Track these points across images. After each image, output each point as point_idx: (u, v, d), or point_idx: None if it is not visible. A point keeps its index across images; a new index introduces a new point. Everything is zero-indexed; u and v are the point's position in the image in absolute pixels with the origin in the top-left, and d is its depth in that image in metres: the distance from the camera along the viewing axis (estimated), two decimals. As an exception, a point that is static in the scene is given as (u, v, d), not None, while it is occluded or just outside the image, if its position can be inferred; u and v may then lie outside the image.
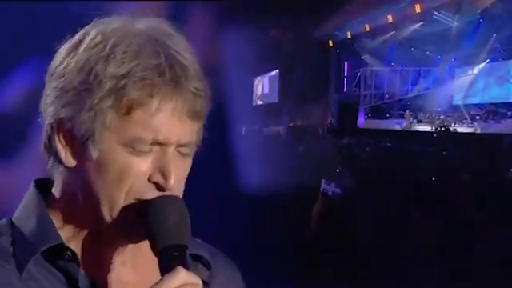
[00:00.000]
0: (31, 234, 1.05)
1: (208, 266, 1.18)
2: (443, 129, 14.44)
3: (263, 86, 22.76)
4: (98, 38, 1.04)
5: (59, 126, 1.06)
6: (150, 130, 1.02)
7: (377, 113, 20.00)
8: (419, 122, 17.56)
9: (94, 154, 1.03)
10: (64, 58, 1.06)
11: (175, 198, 1.05)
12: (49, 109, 1.08)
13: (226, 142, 8.36)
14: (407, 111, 17.94)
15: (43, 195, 1.11)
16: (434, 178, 8.61)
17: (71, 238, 1.08)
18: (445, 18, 16.35)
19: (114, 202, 1.03)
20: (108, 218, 1.05)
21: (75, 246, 1.08)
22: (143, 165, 1.03)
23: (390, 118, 19.51)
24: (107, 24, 1.07)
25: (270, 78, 22.36)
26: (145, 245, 1.04)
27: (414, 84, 18.97)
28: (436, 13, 16.42)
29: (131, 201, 1.05)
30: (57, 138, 1.07)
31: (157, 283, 0.96)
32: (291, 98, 20.94)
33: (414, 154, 11.94)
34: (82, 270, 1.06)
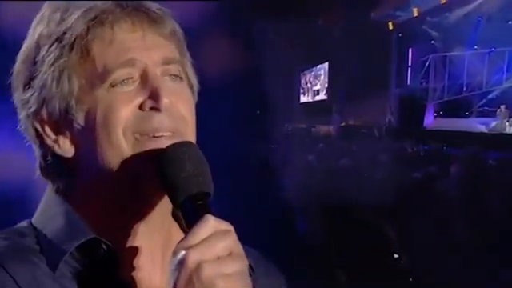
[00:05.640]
0: (59, 232, 1.06)
1: (251, 269, 1.11)
2: None
3: (311, 82, 22.62)
4: (39, 17, 1.06)
5: (39, 118, 1.06)
6: (113, 56, 1.02)
7: (451, 110, 16.86)
8: (520, 122, 14.17)
9: (80, 117, 1.03)
10: (17, 63, 1.09)
11: (189, 143, 1.02)
12: (24, 118, 1.08)
13: (269, 144, 8.51)
14: (502, 107, 14.22)
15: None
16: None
17: (99, 234, 1.06)
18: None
19: (116, 147, 1.02)
20: (114, 166, 1.02)
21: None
22: (129, 95, 1.02)
23: (469, 116, 16.26)
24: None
25: (319, 72, 21.83)
26: (174, 245, 1.04)
27: (510, 70, 15.30)
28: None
29: (135, 137, 1.02)
30: (45, 136, 1.07)
31: (186, 237, 0.94)
32: (343, 93, 19.75)
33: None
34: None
